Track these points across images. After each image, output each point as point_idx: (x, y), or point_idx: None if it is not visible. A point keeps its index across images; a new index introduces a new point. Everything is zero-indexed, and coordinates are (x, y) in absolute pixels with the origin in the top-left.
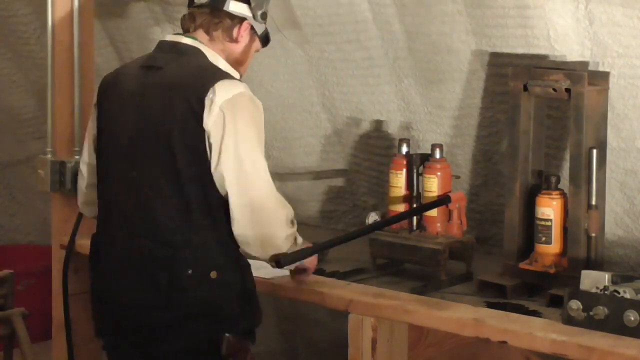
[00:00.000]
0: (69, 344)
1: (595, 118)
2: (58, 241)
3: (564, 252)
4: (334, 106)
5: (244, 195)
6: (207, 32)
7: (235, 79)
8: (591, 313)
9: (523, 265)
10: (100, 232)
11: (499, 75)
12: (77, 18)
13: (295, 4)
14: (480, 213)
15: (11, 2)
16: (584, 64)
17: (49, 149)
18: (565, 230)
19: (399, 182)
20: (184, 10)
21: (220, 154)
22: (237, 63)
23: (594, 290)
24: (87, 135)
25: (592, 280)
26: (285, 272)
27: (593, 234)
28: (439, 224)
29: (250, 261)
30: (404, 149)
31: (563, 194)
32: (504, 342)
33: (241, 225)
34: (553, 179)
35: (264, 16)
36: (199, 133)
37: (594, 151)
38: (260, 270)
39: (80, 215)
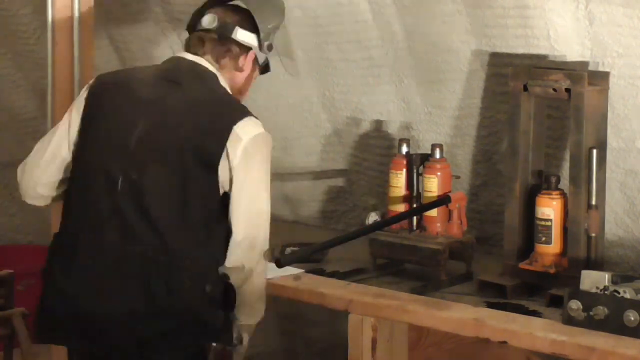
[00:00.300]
0: None
1: (595, 118)
2: None
3: (564, 252)
4: (334, 106)
5: (248, 232)
6: (216, 60)
7: (254, 115)
8: (591, 313)
9: (523, 265)
10: (76, 233)
11: (499, 75)
12: (77, 18)
13: (295, 4)
14: (480, 213)
15: (11, 2)
16: (584, 64)
17: None
18: (565, 230)
19: (399, 182)
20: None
21: (237, 189)
22: (239, 92)
23: (594, 290)
24: (64, 129)
25: (592, 280)
26: (285, 272)
27: (593, 234)
28: (439, 224)
29: None
30: (404, 149)
31: (563, 194)
32: (504, 342)
33: (239, 257)
34: (553, 179)
35: (270, 47)
36: (217, 154)
37: (594, 151)
38: None
39: None
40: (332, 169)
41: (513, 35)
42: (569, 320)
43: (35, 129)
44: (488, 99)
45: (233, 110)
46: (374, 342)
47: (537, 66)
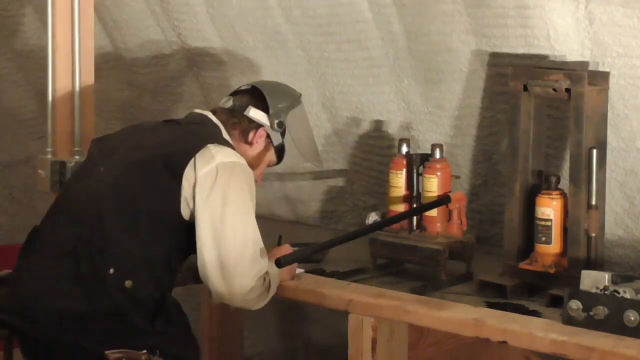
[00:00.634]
0: None
1: (595, 118)
2: None
3: (564, 252)
4: (334, 106)
5: (215, 251)
6: (226, 129)
7: (232, 146)
8: (591, 313)
9: (523, 265)
10: (42, 222)
11: (499, 75)
12: (77, 18)
13: (295, 4)
14: (480, 213)
15: (11, 2)
16: (584, 64)
17: (49, 149)
18: (565, 230)
19: (399, 182)
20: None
21: (202, 207)
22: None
23: (594, 290)
24: None
25: (592, 280)
26: None
27: (593, 234)
28: (439, 224)
29: None
30: (404, 149)
31: (563, 194)
32: (504, 342)
33: (209, 280)
34: (553, 179)
35: (280, 125)
36: (181, 165)
37: (594, 151)
38: None
39: None
40: (332, 169)
41: (513, 35)
42: (569, 320)
43: (35, 129)
44: (488, 99)
45: (215, 137)
46: (374, 342)
47: (537, 66)
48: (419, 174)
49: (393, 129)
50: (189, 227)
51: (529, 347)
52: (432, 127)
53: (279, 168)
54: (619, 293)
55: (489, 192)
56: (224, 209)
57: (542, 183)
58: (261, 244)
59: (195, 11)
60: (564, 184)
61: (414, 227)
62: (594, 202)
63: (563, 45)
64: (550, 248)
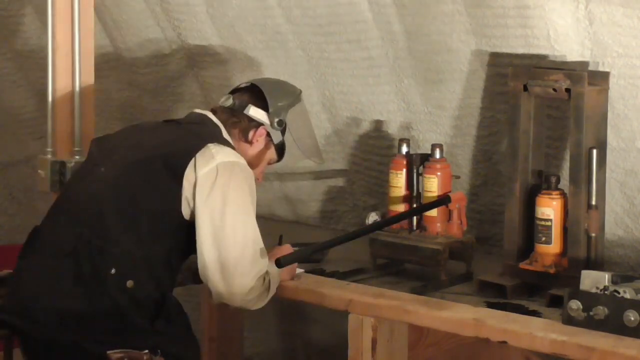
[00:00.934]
0: None
1: (595, 118)
2: None
3: (564, 252)
4: (334, 106)
5: (215, 251)
6: (226, 129)
7: (231, 145)
8: (591, 313)
9: (523, 265)
10: (43, 222)
11: (499, 75)
12: (77, 18)
13: (295, 4)
14: (480, 213)
15: (11, 2)
16: (584, 64)
17: (49, 149)
18: (565, 230)
19: (399, 182)
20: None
21: (202, 207)
22: (249, 165)
23: (594, 290)
24: None
25: (592, 280)
26: None
27: (593, 234)
28: (439, 224)
29: None
30: (404, 149)
31: (563, 194)
32: (504, 342)
33: (209, 280)
34: (553, 179)
35: (280, 123)
36: (182, 166)
37: (594, 151)
38: None
39: None
40: (332, 169)
41: (513, 35)
42: (569, 320)
43: (35, 129)
44: (488, 99)
45: (215, 137)
46: (374, 342)
47: (537, 66)
48: (419, 174)
49: (393, 129)
50: (189, 227)
51: (529, 347)
52: (432, 127)
53: (279, 167)
54: (619, 293)
55: (489, 192)
56: (224, 208)
57: (542, 183)
58: (261, 244)
59: (195, 11)
60: (564, 184)
61: (414, 227)
62: (594, 202)
63: (563, 45)
64: (550, 248)
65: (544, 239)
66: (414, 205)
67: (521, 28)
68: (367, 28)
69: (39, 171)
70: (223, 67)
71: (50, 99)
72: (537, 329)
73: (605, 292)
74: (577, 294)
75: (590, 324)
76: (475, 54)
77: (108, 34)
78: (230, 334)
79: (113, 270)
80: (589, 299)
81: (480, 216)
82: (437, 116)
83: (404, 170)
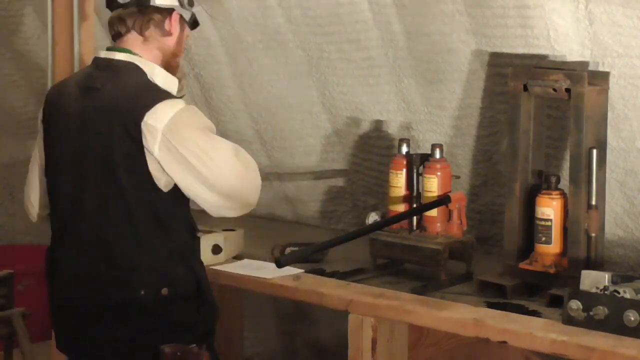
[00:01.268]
0: None
1: (595, 118)
2: None
3: (564, 252)
4: (334, 106)
5: (212, 189)
6: (141, 33)
7: (172, 96)
8: (591, 313)
9: (523, 265)
10: (55, 250)
11: (499, 75)
12: (77, 18)
13: (295, 4)
14: (480, 213)
15: (11, 2)
16: (584, 64)
17: None
18: (565, 230)
19: (399, 182)
20: None
21: (176, 173)
22: (173, 56)
23: (594, 290)
24: (37, 155)
25: (592, 280)
26: (285, 272)
27: (593, 234)
28: (439, 224)
29: (250, 261)
30: (404, 149)
31: (563, 194)
32: (504, 342)
33: (222, 212)
34: (553, 179)
35: (191, 3)
36: (141, 156)
37: (594, 151)
38: (260, 270)
39: None
40: (332, 169)
41: (513, 35)
42: (569, 320)
43: (35, 129)
44: (488, 99)
45: (146, 97)
46: (374, 342)
47: (537, 66)
48: (419, 174)
49: (393, 129)
50: (175, 201)
51: (529, 347)
52: (432, 127)
53: (279, 167)
54: (619, 293)
55: (489, 192)
56: (196, 161)
57: (542, 183)
58: (233, 146)
59: (195, 11)
60: (564, 184)
61: (414, 227)
62: (594, 202)
63: (563, 45)
64: (550, 248)
65: (544, 239)
66: (414, 205)
67: (521, 28)
68: (367, 28)
69: None
70: (223, 67)
71: None
72: (537, 329)
73: (605, 292)
74: (577, 294)
75: (590, 324)
76: (475, 54)
77: (108, 34)
78: (230, 334)
79: (142, 292)
80: (589, 299)
81: (480, 216)
82: (437, 116)
83: (404, 170)
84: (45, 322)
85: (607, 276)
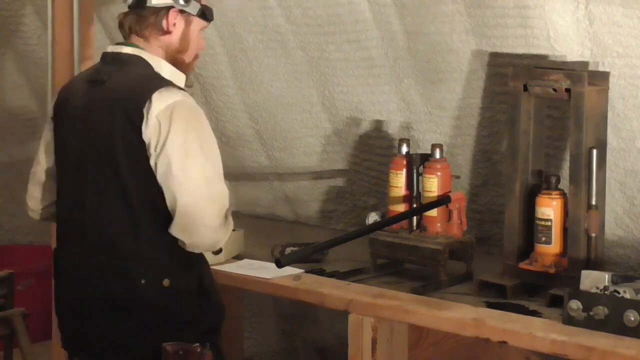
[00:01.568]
0: None
1: (595, 118)
2: None
3: (564, 252)
4: (334, 106)
5: (174, 200)
6: (139, 35)
7: (176, 86)
8: (591, 313)
9: (523, 265)
10: (60, 248)
11: (499, 75)
12: (77, 18)
13: (295, 4)
14: (480, 213)
15: (11, 2)
16: (584, 64)
17: None
18: (565, 230)
19: (399, 182)
20: None
21: (156, 162)
22: (178, 52)
23: (594, 290)
24: (46, 150)
25: (592, 280)
26: (285, 272)
27: (593, 234)
28: (439, 224)
29: (250, 261)
30: (404, 149)
31: (563, 194)
32: (504, 342)
33: (174, 230)
34: (553, 179)
35: None
36: (140, 145)
37: (594, 151)
38: (260, 270)
39: None
40: (332, 169)
41: (513, 35)
42: (569, 320)
43: (35, 129)
44: (488, 99)
45: (149, 85)
46: (374, 342)
47: (537, 66)
48: (419, 174)
49: (393, 129)
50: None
51: (529, 347)
52: (432, 127)
53: (279, 167)
54: (619, 293)
55: (489, 192)
56: (181, 152)
57: (542, 183)
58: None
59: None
60: (564, 184)
61: (414, 227)
62: (594, 202)
63: (563, 45)
64: (550, 248)
65: (544, 239)
66: (414, 205)
67: (521, 28)
68: (367, 28)
69: None
70: (223, 67)
71: (50, 99)
72: (537, 329)
73: (605, 292)
74: (577, 294)
75: (590, 324)
76: (475, 54)
77: (108, 34)
78: (230, 334)
79: (143, 281)
80: (589, 299)
81: (480, 216)
82: (437, 116)
83: (404, 170)
84: (45, 322)
85: (607, 276)
